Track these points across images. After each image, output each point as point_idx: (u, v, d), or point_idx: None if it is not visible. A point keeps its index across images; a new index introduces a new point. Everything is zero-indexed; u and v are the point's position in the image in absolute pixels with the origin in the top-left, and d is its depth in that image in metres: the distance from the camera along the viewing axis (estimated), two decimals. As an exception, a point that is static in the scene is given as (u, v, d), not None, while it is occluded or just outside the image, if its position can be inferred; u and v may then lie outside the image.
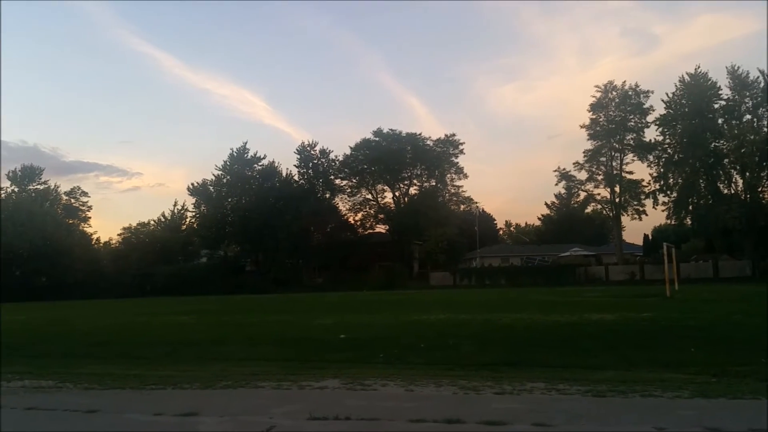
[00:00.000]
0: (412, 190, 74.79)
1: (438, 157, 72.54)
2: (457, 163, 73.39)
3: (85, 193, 79.54)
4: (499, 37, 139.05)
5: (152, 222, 78.30)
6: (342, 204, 74.68)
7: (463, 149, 73.19)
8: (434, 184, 74.14)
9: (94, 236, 79.52)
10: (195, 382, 8.93)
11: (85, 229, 78.16)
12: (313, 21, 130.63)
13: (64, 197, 77.80)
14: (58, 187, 77.39)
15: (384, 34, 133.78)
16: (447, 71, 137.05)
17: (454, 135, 72.84)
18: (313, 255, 66.19)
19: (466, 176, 74.28)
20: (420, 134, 72.98)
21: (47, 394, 8.42)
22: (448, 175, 74.01)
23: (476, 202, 77.89)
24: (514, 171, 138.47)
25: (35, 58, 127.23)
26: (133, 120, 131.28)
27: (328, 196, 72.93)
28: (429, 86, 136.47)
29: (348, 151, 73.19)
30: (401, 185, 74.71)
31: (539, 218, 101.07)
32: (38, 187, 75.81)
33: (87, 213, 79.64)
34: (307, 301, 35.05)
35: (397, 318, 19.01)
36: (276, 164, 71.40)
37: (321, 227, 70.13)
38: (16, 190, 74.12)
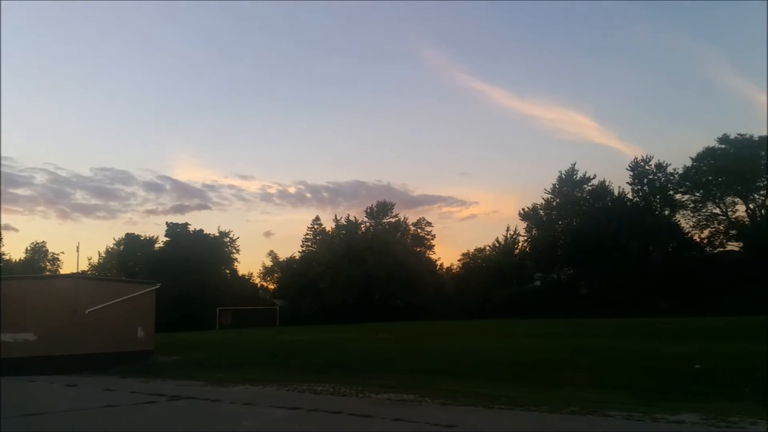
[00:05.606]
0: (772, 201, 63.97)
1: (806, 160, 60.58)
2: (836, 163, 60.15)
3: (429, 224, 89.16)
4: None
5: (488, 247, 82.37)
6: (684, 221, 67.74)
7: (843, 145, 59.74)
8: (802, 190, 62.08)
9: (438, 262, 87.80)
10: (542, 405, 9.10)
11: (430, 256, 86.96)
12: (635, 25, 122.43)
13: (412, 228, 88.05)
14: (406, 219, 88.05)
15: (721, 26, 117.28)
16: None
17: (829, 130, 60.14)
18: (653, 277, 61.47)
19: None
20: (777, 135, 62.24)
21: (410, 407, 9.34)
22: (822, 179, 61.12)
23: None
24: None
25: (390, 110, 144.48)
26: (469, 152, 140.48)
27: (667, 213, 67.38)
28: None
29: (689, 163, 66.50)
30: (756, 196, 64.55)
31: None
32: (391, 220, 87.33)
33: (431, 241, 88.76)
34: (651, 327, 32.56)
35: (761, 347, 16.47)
36: (607, 183, 69.69)
37: (661, 247, 65.01)
38: (373, 223, 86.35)
